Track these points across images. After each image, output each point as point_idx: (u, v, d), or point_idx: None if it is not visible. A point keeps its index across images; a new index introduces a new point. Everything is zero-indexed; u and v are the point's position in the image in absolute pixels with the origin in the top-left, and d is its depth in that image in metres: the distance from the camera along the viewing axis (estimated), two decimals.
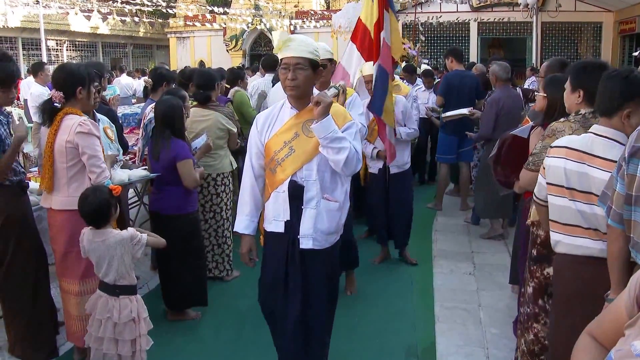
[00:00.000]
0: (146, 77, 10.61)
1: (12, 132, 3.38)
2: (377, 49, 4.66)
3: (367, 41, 4.89)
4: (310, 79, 2.68)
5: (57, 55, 22.70)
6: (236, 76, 6.49)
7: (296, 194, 2.71)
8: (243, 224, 2.90)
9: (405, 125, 5.07)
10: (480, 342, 3.70)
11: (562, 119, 2.85)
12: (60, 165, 3.27)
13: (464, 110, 6.34)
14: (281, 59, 2.67)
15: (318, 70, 2.71)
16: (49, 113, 3.30)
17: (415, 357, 3.58)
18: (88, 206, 3.03)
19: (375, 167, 5.04)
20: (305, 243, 2.73)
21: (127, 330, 3.03)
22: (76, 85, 3.30)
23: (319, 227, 2.72)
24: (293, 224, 2.73)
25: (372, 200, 5.18)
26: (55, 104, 3.29)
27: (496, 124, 5.44)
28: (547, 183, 2.49)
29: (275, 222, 2.79)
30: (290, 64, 2.62)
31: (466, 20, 16.27)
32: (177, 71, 7.50)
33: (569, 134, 2.74)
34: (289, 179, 2.72)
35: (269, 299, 2.91)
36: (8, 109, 3.21)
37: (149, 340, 3.17)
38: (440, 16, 16.04)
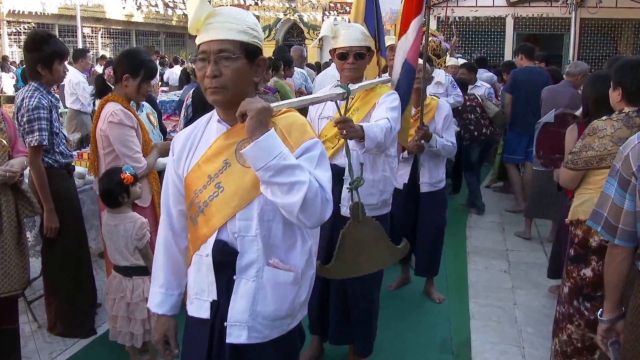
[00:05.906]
0: (188, 64, 10.86)
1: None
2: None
3: None
4: (244, 73, 1.69)
5: (91, 42, 23.12)
6: (272, 66, 6.44)
7: (225, 259, 1.74)
8: (156, 299, 1.95)
9: (442, 137, 4.07)
10: (515, 340, 3.66)
11: (604, 117, 2.78)
12: (100, 151, 3.36)
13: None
14: (198, 45, 1.70)
15: (258, 59, 1.74)
16: (99, 88, 3.54)
17: (450, 352, 3.56)
18: (100, 187, 3.14)
19: (399, 181, 3.96)
20: (236, 335, 1.74)
21: (139, 310, 3.09)
22: (125, 71, 3.34)
23: (259, 310, 1.74)
24: (222, 306, 1.77)
25: (394, 222, 3.63)
26: (107, 82, 3.49)
27: None
28: None
29: (198, 302, 1.82)
30: (210, 52, 1.66)
31: (502, 16, 16.00)
32: None
33: (611, 132, 2.68)
34: (214, 236, 1.74)
35: None
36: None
37: None
38: (477, 10, 15.79)
